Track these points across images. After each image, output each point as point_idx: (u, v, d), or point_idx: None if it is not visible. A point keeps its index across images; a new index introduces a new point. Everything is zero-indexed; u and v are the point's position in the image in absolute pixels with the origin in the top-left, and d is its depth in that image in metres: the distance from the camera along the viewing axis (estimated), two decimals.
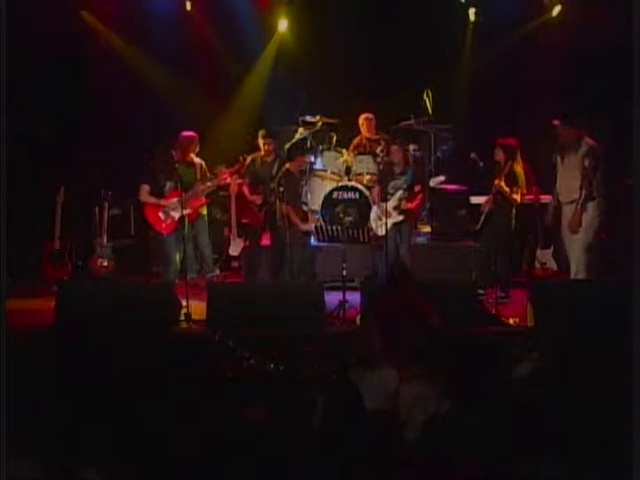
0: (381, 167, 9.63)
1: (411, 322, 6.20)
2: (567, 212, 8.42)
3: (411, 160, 9.58)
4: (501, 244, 8.82)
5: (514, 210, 8.77)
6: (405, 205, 8.91)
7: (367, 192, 9.63)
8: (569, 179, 8.37)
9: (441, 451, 4.93)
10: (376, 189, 9.39)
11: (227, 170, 9.08)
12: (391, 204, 8.85)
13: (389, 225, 8.77)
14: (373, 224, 9.08)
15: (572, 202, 8.30)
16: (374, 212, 9.20)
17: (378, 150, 9.99)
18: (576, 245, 8.31)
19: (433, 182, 9.72)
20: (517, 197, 8.75)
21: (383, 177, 9.27)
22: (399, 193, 8.92)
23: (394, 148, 9.21)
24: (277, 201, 8.82)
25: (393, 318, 6.26)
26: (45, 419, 4.51)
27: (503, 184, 8.68)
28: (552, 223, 8.84)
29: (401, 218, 8.92)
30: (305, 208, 9.21)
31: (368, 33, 11.01)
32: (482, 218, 8.88)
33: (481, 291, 8.44)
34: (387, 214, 8.69)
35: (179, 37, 10.85)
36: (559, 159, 8.51)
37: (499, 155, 8.80)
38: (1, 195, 6.06)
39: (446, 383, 5.74)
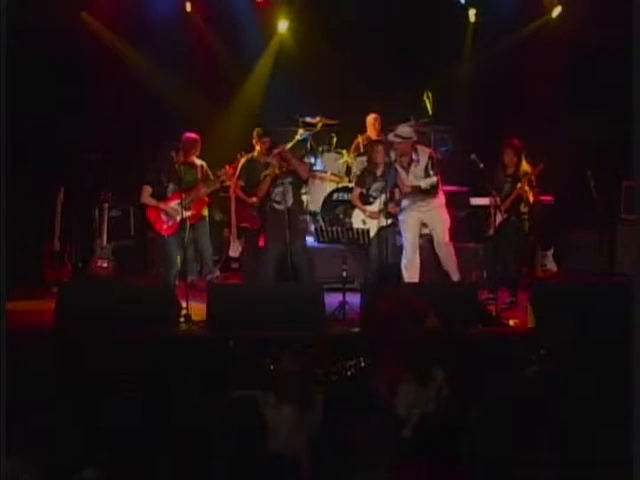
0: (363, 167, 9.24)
1: (407, 323, 6.21)
2: None
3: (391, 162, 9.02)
4: (518, 248, 8.66)
5: (528, 213, 8.64)
6: (391, 209, 8.50)
7: None
8: None
9: (440, 451, 4.93)
10: (356, 191, 8.97)
11: (228, 167, 8.92)
12: (376, 207, 8.60)
13: (376, 228, 8.56)
14: (356, 227, 8.63)
15: None
16: (357, 216, 8.88)
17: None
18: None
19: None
20: (532, 199, 8.60)
21: (363, 178, 8.94)
22: (383, 196, 8.48)
23: (379, 148, 8.82)
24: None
25: (389, 320, 6.27)
26: (45, 420, 4.51)
27: (527, 188, 8.48)
28: None
29: (389, 222, 8.52)
30: (279, 207, 8.49)
31: (368, 34, 11.00)
32: (496, 222, 8.53)
33: (492, 295, 8.35)
34: (373, 216, 8.58)
35: (179, 38, 10.84)
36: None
37: (508, 156, 8.64)
38: (1, 195, 6.05)
39: (446, 384, 5.74)
